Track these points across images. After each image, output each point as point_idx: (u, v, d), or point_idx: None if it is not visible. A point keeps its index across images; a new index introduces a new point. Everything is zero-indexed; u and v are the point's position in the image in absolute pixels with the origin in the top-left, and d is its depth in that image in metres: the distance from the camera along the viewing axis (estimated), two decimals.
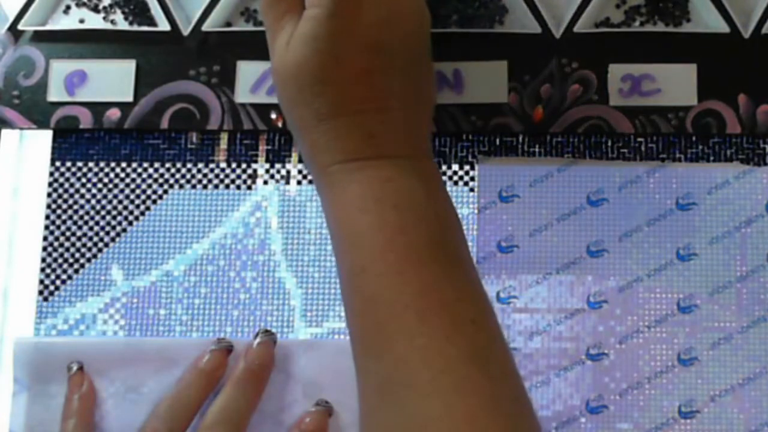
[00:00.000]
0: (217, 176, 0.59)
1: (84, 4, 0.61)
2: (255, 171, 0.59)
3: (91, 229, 0.59)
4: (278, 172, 0.59)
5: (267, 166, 0.59)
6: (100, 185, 0.59)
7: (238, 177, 0.59)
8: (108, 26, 0.60)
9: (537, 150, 0.58)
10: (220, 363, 0.53)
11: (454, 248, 0.44)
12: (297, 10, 0.46)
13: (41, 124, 0.59)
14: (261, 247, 0.58)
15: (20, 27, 0.60)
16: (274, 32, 0.47)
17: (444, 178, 0.58)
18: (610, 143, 0.58)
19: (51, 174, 0.59)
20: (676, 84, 0.58)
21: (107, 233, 0.59)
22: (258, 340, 0.54)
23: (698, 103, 0.57)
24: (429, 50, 0.49)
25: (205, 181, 0.59)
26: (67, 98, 0.59)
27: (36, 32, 0.60)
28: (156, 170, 0.59)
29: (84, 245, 0.58)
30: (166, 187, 0.59)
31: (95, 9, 0.61)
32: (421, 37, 0.48)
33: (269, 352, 0.53)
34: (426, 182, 0.46)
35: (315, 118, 0.45)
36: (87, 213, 0.59)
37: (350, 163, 0.45)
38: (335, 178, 0.45)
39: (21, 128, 0.59)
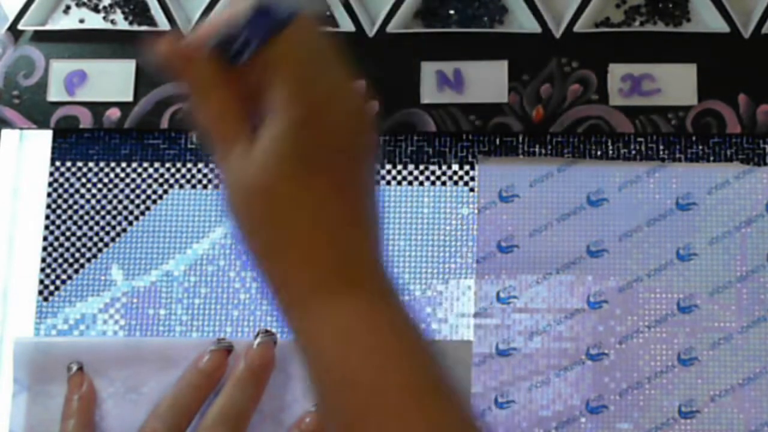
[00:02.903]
0: (217, 176, 0.59)
1: (84, 4, 0.61)
2: None
3: (91, 229, 0.59)
4: None
5: None
6: (100, 185, 0.59)
7: None
8: (108, 26, 0.60)
9: (537, 150, 0.58)
10: (220, 363, 0.53)
11: (437, 376, 0.43)
12: (246, 123, 0.42)
13: (41, 124, 0.59)
14: None
15: (20, 27, 0.60)
16: (225, 150, 0.42)
17: (444, 178, 0.58)
18: (610, 143, 0.58)
19: (51, 174, 0.59)
20: (676, 84, 0.58)
21: (107, 233, 0.59)
22: (258, 340, 0.54)
23: (698, 103, 0.57)
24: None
25: (205, 181, 0.59)
26: (67, 98, 0.59)
27: (36, 32, 0.60)
28: (156, 170, 0.59)
29: (84, 245, 0.58)
30: (166, 187, 0.59)
31: (95, 9, 0.61)
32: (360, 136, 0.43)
33: (270, 352, 0.53)
34: (399, 313, 0.42)
35: (285, 243, 0.41)
36: (87, 213, 0.59)
37: (325, 295, 0.41)
38: (310, 311, 0.41)
39: (21, 128, 0.59)
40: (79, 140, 0.60)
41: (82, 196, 0.59)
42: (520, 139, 0.58)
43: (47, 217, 0.59)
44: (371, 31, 0.59)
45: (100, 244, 0.58)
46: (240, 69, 0.40)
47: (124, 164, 0.59)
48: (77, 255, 0.58)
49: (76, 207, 0.59)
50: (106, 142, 0.60)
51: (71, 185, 0.59)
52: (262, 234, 0.41)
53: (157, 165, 0.59)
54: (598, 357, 0.56)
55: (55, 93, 0.59)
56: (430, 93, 0.58)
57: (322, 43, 0.41)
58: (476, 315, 0.56)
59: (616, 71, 0.58)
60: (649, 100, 0.58)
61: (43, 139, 0.60)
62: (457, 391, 0.41)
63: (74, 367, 0.54)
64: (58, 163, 0.60)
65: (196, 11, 0.60)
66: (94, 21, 0.60)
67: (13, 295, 0.58)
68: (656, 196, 0.57)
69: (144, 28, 0.60)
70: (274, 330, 0.56)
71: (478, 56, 0.59)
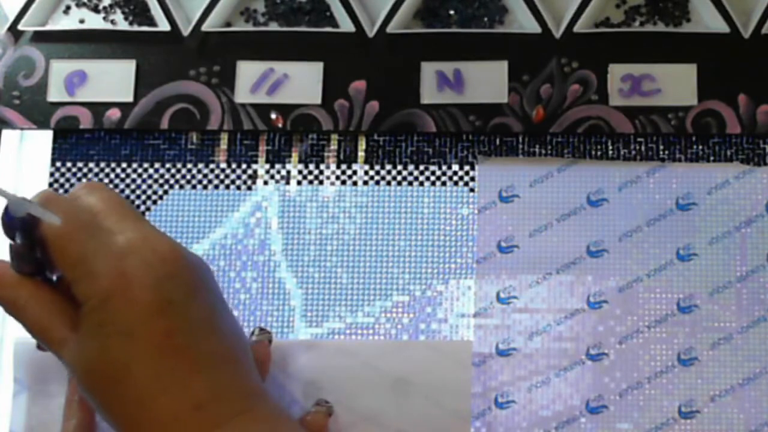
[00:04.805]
0: (217, 176, 0.59)
1: (84, 4, 0.61)
2: (255, 171, 0.59)
3: None
4: (278, 172, 0.59)
5: (267, 166, 0.59)
6: None
7: (238, 177, 0.59)
8: (108, 26, 0.60)
9: (537, 150, 0.58)
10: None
11: None
12: (66, 319, 0.42)
13: (41, 124, 0.59)
14: (261, 248, 0.58)
15: (20, 27, 0.60)
16: (58, 348, 0.42)
17: (444, 178, 0.58)
18: (610, 143, 0.58)
19: (51, 174, 0.59)
20: (676, 84, 0.58)
21: None
22: (254, 338, 0.54)
23: (698, 103, 0.57)
24: (209, 290, 0.44)
25: (205, 182, 0.59)
26: (67, 98, 0.59)
27: (36, 32, 0.60)
28: (156, 170, 0.59)
29: None
30: (166, 187, 0.59)
31: (95, 9, 0.61)
32: (198, 279, 0.43)
33: (265, 351, 0.53)
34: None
35: (146, 414, 0.40)
36: None
37: None
38: None
39: (21, 128, 0.59)
40: (79, 141, 0.60)
41: None
42: (520, 139, 0.59)
43: None
44: (371, 32, 0.59)
45: None
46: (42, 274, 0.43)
47: (124, 164, 0.59)
48: None
49: None
50: (106, 143, 0.60)
51: (71, 185, 0.59)
52: (119, 409, 0.41)
53: (157, 165, 0.59)
54: (598, 357, 0.56)
55: (55, 93, 0.59)
56: (430, 93, 0.58)
57: (87, 216, 0.42)
58: (476, 315, 0.56)
59: (616, 71, 0.58)
60: (649, 100, 0.58)
61: (43, 139, 0.60)
62: None
63: None
64: (58, 164, 0.60)
65: (196, 11, 0.60)
66: (94, 21, 0.61)
67: None
68: (656, 196, 0.57)
69: (144, 28, 0.60)
70: (273, 330, 0.56)
71: (478, 56, 0.59)
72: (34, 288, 0.43)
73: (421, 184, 0.58)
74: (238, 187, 0.59)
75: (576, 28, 0.58)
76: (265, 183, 0.59)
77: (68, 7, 0.61)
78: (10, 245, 0.42)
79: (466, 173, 0.58)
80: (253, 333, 0.54)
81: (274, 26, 0.60)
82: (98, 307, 0.40)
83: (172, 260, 0.41)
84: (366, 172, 0.59)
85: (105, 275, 0.40)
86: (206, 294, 0.42)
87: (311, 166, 0.59)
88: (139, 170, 0.59)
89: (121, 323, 0.40)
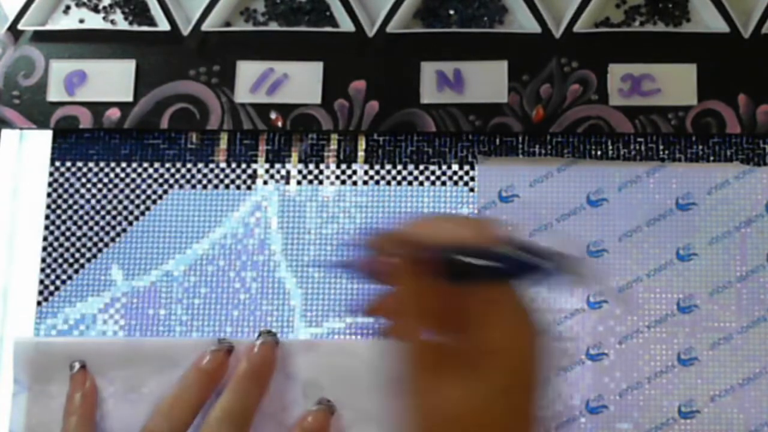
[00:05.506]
0: (217, 176, 0.59)
1: (84, 4, 0.61)
2: (255, 171, 0.59)
3: (91, 229, 0.59)
4: (278, 172, 0.59)
5: (267, 166, 0.59)
6: (100, 185, 0.59)
7: (238, 177, 0.59)
8: (108, 26, 0.60)
9: (537, 150, 0.58)
10: (221, 363, 0.53)
11: None
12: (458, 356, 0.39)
13: (41, 124, 0.59)
14: (261, 247, 0.58)
15: (20, 27, 0.60)
16: (434, 375, 0.39)
17: (444, 178, 0.58)
18: (610, 143, 0.58)
19: (51, 174, 0.59)
20: (676, 84, 0.58)
21: (107, 233, 0.59)
22: (260, 340, 0.54)
23: (698, 103, 0.57)
24: None
25: (205, 181, 0.59)
26: (67, 98, 0.59)
27: (36, 32, 0.60)
28: (156, 170, 0.59)
29: (84, 245, 0.58)
30: (166, 187, 0.59)
31: (95, 9, 0.61)
32: None
33: (272, 352, 0.53)
34: None
35: None
36: (87, 213, 0.59)
37: None
38: None
39: (21, 128, 0.59)
40: (79, 140, 0.60)
41: (82, 196, 0.59)
42: (520, 139, 0.59)
43: (47, 217, 0.59)
44: (371, 31, 0.59)
45: (100, 244, 0.58)
46: (443, 285, 0.38)
47: (124, 164, 0.59)
48: (77, 255, 0.58)
49: (76, 207, 0.59)
50: (106, 142, 0.60)
51: (71, 185, 0.59)
52: None
53: (157, 165, 0.59)
54: (598, 357, 0.56)
55: (55, 93, 0.59)
56: (430, 93, 0.58)
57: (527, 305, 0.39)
58: None
59: (616, 71, 0.58)
60: (649, 100, 0.58)
61: (43, 139, 0.60)
62: None
63: (77, 366, 0.54)
64: (58, 163, 0.60)
65: (196, 11, 0.60)
66: (94, 21, 0.60)
67: (13, 295, 0.58)
68: (656, 196, 0.57)
69: (144, 28, 0.60)
70: (274, 330, 0.56)
71: (478, 56, 0.59)
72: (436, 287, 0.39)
73: (421, 184, 0.58)
74: (238, 187, 0.59)
75: (576, 28, 0.58)
76: (265, 183, 0.59)
77: (68, 7, 0.61)
78: (463, 253, 0.39)
79: (466, 173, 0.58)
80: (259, 335, 0.54)
81: (273, 26, 0.60)
82: (497, 385, 0.38)
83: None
84: (366, 172, 0.59)
85: (515, 371, 0.38)
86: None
87: (311, 166, 0.59)
88: (139, 170, 0.59)
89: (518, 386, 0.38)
